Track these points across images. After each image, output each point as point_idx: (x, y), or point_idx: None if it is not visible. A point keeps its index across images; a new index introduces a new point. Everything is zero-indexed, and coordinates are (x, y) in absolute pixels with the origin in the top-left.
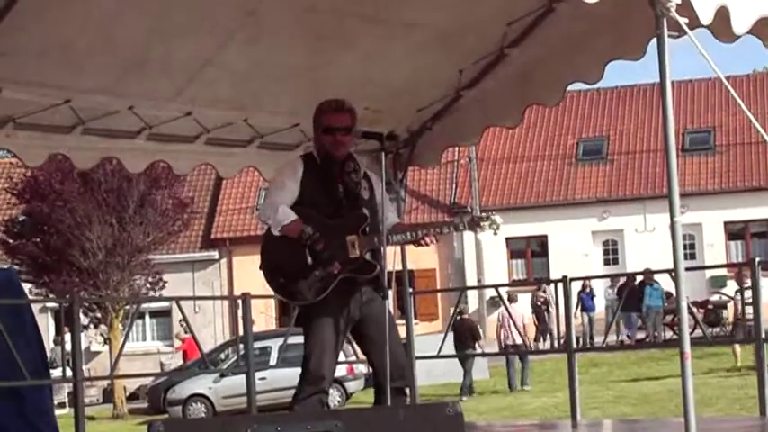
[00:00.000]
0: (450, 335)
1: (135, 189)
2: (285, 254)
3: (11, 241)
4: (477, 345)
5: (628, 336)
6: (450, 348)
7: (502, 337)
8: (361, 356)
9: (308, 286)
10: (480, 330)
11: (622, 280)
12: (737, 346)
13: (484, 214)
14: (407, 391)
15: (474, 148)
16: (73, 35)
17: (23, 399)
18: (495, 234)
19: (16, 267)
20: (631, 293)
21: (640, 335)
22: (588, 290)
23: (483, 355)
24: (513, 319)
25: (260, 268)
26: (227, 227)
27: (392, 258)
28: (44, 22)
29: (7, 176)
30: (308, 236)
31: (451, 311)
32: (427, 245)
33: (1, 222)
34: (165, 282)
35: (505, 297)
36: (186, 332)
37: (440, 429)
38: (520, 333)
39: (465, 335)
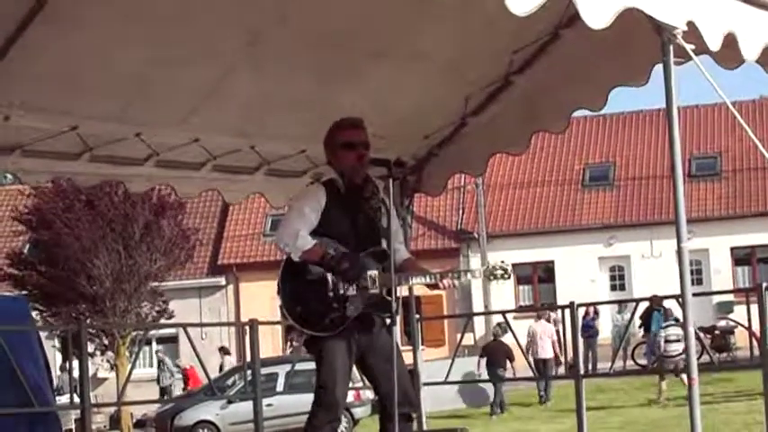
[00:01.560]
0: (471, 359)
1: (141, 216)
2: (304, 283)
3: (17, 272)
4: (510, 366)
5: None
6: (456, 375)
7: (531, 352)
8: (370, 384)
9: (326, 317)
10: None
11: (644, 305)
12: (666, 381)
13: (499, 264)
14: (413, 416)
15: None
16: (79, 62)
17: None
18: (506, 280)
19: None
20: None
21: (645, 360)
22: (591, 316)
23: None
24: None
25: (277, 294)
26: (233, 253)
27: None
28: (51, 49)
29: (13, 205)
30: (330, 257)
31: (458, 338)
32: (445, 288)
33: (8, 253)
34: (172, 311)
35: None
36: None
37: None
38: (554, 347)
39: (499, 356)
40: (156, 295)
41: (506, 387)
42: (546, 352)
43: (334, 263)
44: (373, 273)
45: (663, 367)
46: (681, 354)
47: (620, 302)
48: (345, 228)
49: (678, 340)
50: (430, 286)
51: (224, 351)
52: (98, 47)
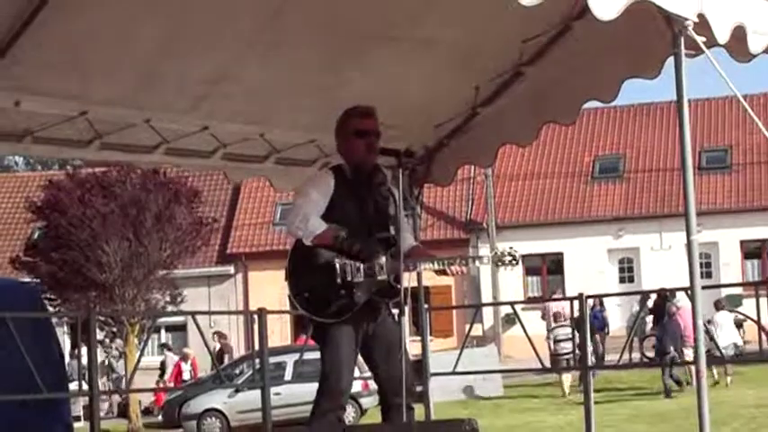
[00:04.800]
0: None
1: (153, 204)
2: (313, 270)
3: (29, 258)
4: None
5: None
6: (463, 366)
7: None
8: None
9: (333, 304)
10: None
11: (653, 297)
12: (565, 378)
13: (507, 250)
14: (413, 406)
15: None
16: (89, 47)
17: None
18: (513, 268)
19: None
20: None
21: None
22: (598, 308)
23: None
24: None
25: (285, 279)
26: (243, 242)
27: (408, 275)
28: (61, 33)
29: (25, 191)
30: (342, 239)
31: (466, 328)
32: (454, 274)
33: (20, 239)
34: (185, 296)
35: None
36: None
37: None
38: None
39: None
40: (166, 283)
41: (513, 378)
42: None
43: (346, 245)
44: (381, 259)
45: (555, 366)
46: (570, 352)
47: (627, 294)
48: (353, 214)
49: (567, 339)
50: (438, 272)
51: (219, 336)
52: (109, 32)
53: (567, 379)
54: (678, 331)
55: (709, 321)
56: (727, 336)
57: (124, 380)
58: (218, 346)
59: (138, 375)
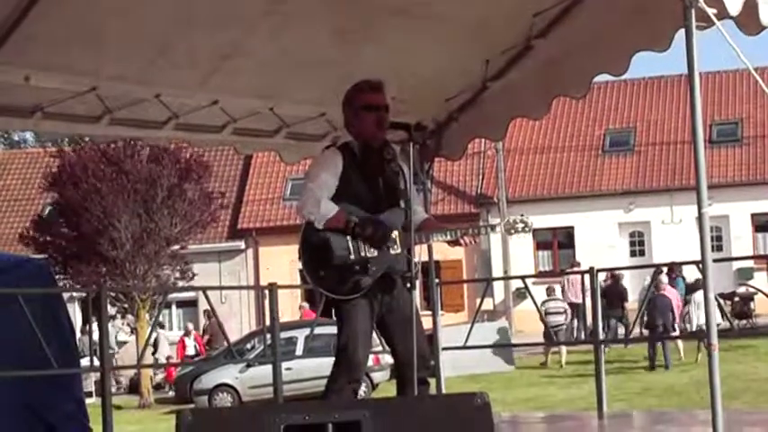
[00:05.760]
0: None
1: (165, 180)
2: (326, 248)
3: (39, 234)
4: (623, 307)
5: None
6: (475, 339)
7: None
8: (387, 346)
9: (349, 280)
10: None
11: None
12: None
13: (519, 218)
14: (428, 380)
15: None
16: (99, 21)
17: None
18: (526, 235)
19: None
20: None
21: None
22: (608, 282)
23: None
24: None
25: (299, 259)
26: (253, 217)
27: (419, 249)
28: (71, 8)
29: (36, 168)
30: (353, 224)
31: (477, 302)
32: (466, 245)
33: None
34: (195, 274)
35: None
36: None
37: (469, 419)
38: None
39: (614, 298)
40: (177, 259)
41: (523, 352)
42: (577, 296)
43: (358, 229)
44: (393, 233)
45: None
46: (561, 325)
47: (638, 268)
48: (363, 191)
49: (558, 312)
50: (451, 243)
51: (208, 315)
52: (119, 6)
53: (564, 352)
54: (669, 305)
55: (686, 302)
56: (704, 313)
57: (114, 356)
58: (209, 324)
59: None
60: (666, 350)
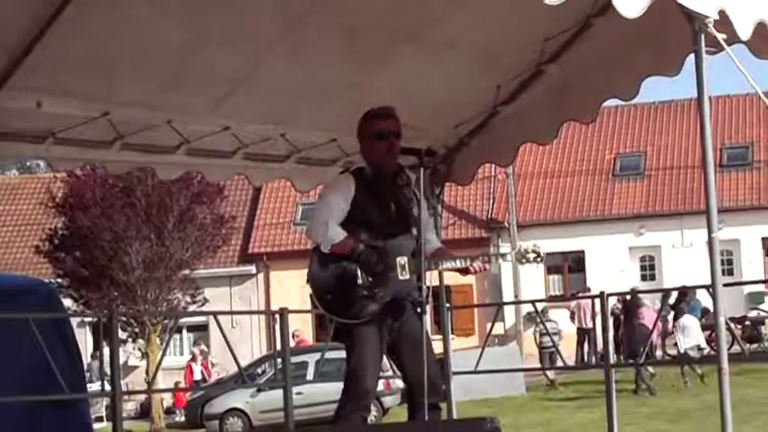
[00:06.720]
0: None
1: (176, 204)
2: (334, 271)
3: (49, 260)
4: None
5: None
6: (486, 364)
7: (576, 321)
8: (398, 371)
9: (356, 304)
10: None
11: (674, 295)
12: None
13: (531, 247)
14: (440, 406)
15: None
16: (112, 48)
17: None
18: (538, 265)
19: (57, 281)
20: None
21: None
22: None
23: (529, 369)
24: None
25: (307, 282)
26: (264, 242)
27: (429, 275)
28: (83, 33)
29: (46, 192)
30: (359, 253)
31: (488, 327)
32: (476, 272)
33: (41, 239)
34: (206, 299)
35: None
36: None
37: None
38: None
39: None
40: (188, 282)
41: (533, 376)
42: (588, 322)
43: (363, 257)
44: (403, 259)
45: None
46: (551, 347)
47: (650, 292)
48: (375, 216)
49: (545, 333)
50: (461, 271)
51: (197, 344)
52: (132, 32)
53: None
54: (646, 334)
55: (674, 326)
56: (691, 338)
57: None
58: (199, 357)
59: (160, 375)
60: (645, 377)
